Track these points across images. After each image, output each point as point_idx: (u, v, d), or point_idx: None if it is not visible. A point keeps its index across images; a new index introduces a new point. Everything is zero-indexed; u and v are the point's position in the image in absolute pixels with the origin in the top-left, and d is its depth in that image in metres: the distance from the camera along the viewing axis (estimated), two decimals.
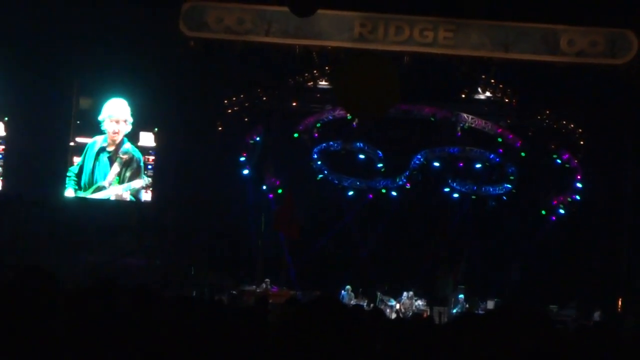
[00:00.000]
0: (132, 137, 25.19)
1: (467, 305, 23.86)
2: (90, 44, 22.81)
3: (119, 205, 24.95)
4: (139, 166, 25.13)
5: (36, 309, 3.62)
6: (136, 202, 25.02)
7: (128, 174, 25.10)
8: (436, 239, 23.38)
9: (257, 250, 26.10)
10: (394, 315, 21.70)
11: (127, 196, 25.05)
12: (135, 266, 22.77)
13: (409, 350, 5.12)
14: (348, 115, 22.63)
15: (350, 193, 26.61)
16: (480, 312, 23.20)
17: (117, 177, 25.04)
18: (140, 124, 25.17)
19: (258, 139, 26.04)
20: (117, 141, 25.17)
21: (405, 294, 24.26)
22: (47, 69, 23.24)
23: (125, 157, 25.11)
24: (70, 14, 22.15)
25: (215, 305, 11.24)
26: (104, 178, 25.05)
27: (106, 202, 24.95)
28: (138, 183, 25.06)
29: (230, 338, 5.38)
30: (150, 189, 25.03)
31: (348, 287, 24.30)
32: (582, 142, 24.86)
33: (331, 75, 21.22)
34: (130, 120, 25.10)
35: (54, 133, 24.45)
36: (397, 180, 26.21)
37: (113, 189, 25.07)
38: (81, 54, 23.17)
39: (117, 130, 25.13)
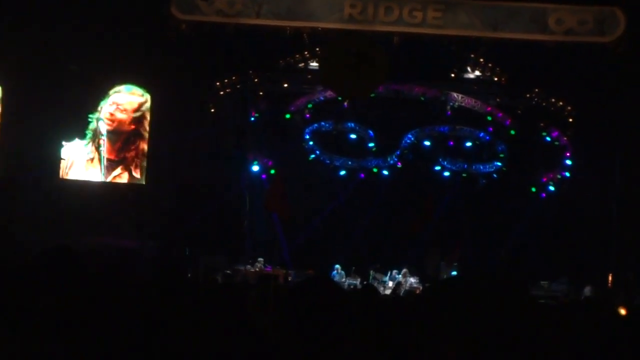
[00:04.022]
0: None
1: None
2: (81, 23, 22.68)
3: (112, 187, 24.88)
4: None
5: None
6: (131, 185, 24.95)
7: None
8: (420, 215, 23.14)
9: (244, 230, 26.22)
10: (387, 292, 21.90)
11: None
12: (128, 248, 22.69)
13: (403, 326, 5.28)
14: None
15: (342, 172, 26.75)
16: None
17: None
18: None
19: (252, 119, 26.16)
20: None
21: (397, 271, 24.45)
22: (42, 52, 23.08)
23: None
24: None
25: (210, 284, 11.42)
26: None
27: (98, 184, 24.85)
28: None
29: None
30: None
31: (337, 266, 24.47)
32: (570, 120, 25.01)
33: (319, 55, 21.17)
34: None
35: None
36: (389, 159, 26.36)
37: None
38: (72, 37, 23.05)
39: None
